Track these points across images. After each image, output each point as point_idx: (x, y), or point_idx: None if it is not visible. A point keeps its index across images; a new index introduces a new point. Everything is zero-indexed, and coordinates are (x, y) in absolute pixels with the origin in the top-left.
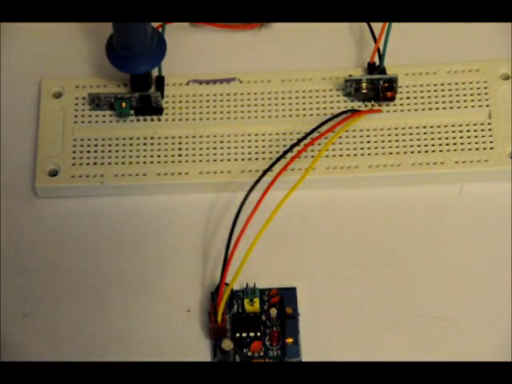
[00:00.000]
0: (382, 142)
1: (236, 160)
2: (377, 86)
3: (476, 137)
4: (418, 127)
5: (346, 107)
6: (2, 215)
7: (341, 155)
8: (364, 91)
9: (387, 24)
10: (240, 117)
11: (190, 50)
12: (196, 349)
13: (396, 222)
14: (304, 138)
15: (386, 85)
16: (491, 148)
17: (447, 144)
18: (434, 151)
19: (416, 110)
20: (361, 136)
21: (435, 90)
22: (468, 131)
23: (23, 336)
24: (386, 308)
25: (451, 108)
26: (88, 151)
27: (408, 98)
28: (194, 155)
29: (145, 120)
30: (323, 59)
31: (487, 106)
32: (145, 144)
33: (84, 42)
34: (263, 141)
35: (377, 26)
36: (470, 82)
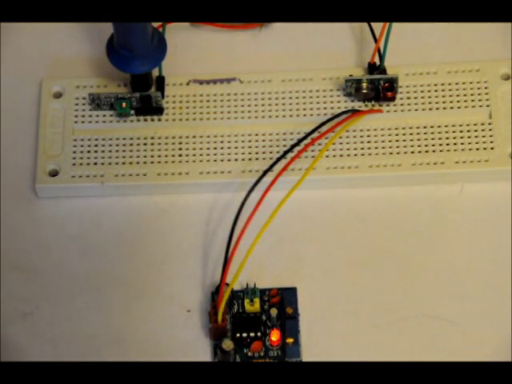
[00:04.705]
0: (382, 141)
1: (236, 160)
2: (377, 86)
3: (476, 137)
4: (418, 127)
5: (346, 107)
6: (2, 215)
7: (341, 155)
8: (364, 91)
9: (387, 24)
10: (240, 117)
11: (190, 49)
12: (196, 349)
13: (396, 222)
14: (304, 138)
15: (386, 85)
16: (491, 148)
17: (447, 144)
18: (434, 151)
19: (416, 110)
20: (361, 136)
21: (435, 90)
22: (468, 131)
23: (23, 336)
24: (386, 308)
25: (451, 108)
26: (88, 151)
27: (408, 97)
28: (194, 155)
29: (145, 120)
30: (323, 59)
31: (487, 105)
32: (145, 144)
33: (84, 42)
34: (263, 141)
35: (377, 26)
36: (470, 82)
